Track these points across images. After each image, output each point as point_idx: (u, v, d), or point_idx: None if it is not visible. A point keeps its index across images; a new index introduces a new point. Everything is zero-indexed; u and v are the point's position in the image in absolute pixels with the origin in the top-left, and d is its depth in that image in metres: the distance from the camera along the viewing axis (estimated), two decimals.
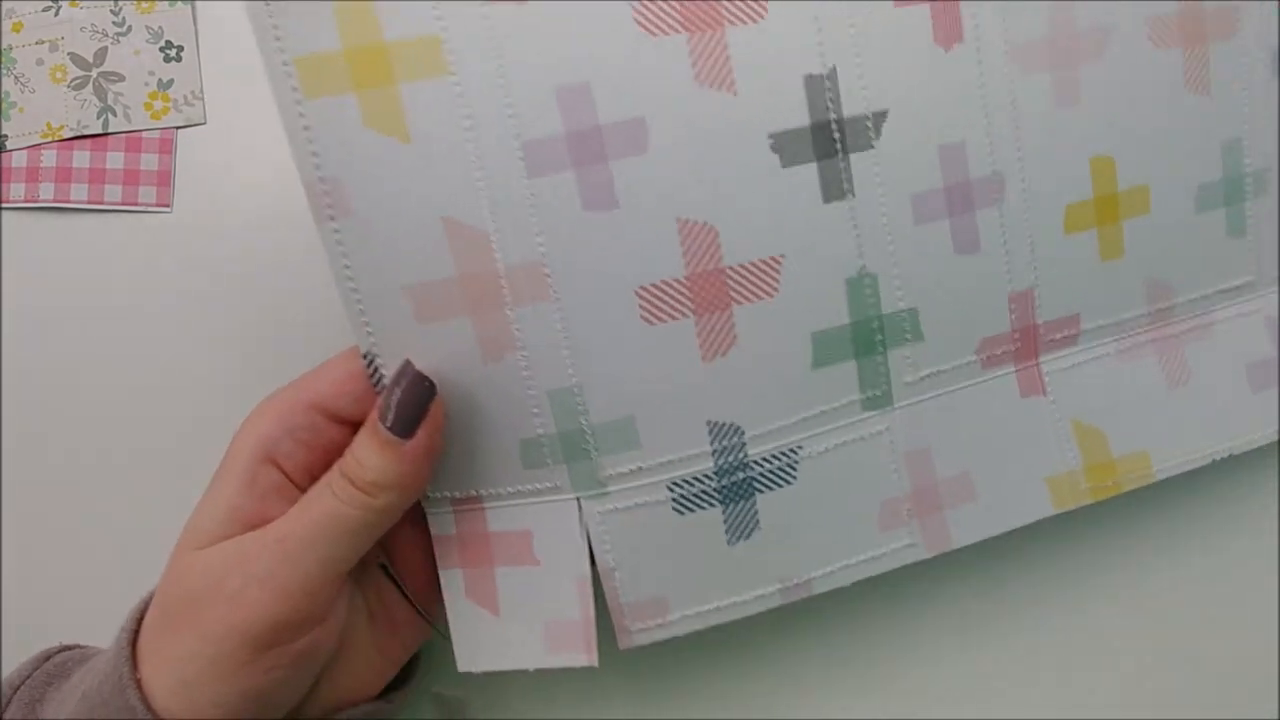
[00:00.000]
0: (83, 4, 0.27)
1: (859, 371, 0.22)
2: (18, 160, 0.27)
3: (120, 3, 0.27)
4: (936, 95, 0.21)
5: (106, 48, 0.27)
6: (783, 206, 0.21)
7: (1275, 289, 0.25)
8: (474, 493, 0.21)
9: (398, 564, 0.22)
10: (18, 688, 0.20)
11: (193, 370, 0.27)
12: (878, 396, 0.22)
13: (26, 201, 0.27)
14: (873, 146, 0.21)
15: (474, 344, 0.20)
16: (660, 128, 0.20)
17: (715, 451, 0.21)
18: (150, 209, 0.27)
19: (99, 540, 0.27)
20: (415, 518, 0.21)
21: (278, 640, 0.18)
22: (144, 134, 0.27)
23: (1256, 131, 0.24)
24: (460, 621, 0.21)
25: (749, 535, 0.21)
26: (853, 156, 0.21)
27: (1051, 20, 0.22)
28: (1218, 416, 0.25)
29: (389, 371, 0.20)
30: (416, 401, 0.19)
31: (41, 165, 0.27)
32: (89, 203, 0.27)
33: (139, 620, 0.19)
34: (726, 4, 0.20)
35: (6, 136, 0.27)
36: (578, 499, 0.21)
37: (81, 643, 0.22)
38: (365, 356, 0.20)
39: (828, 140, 0.21)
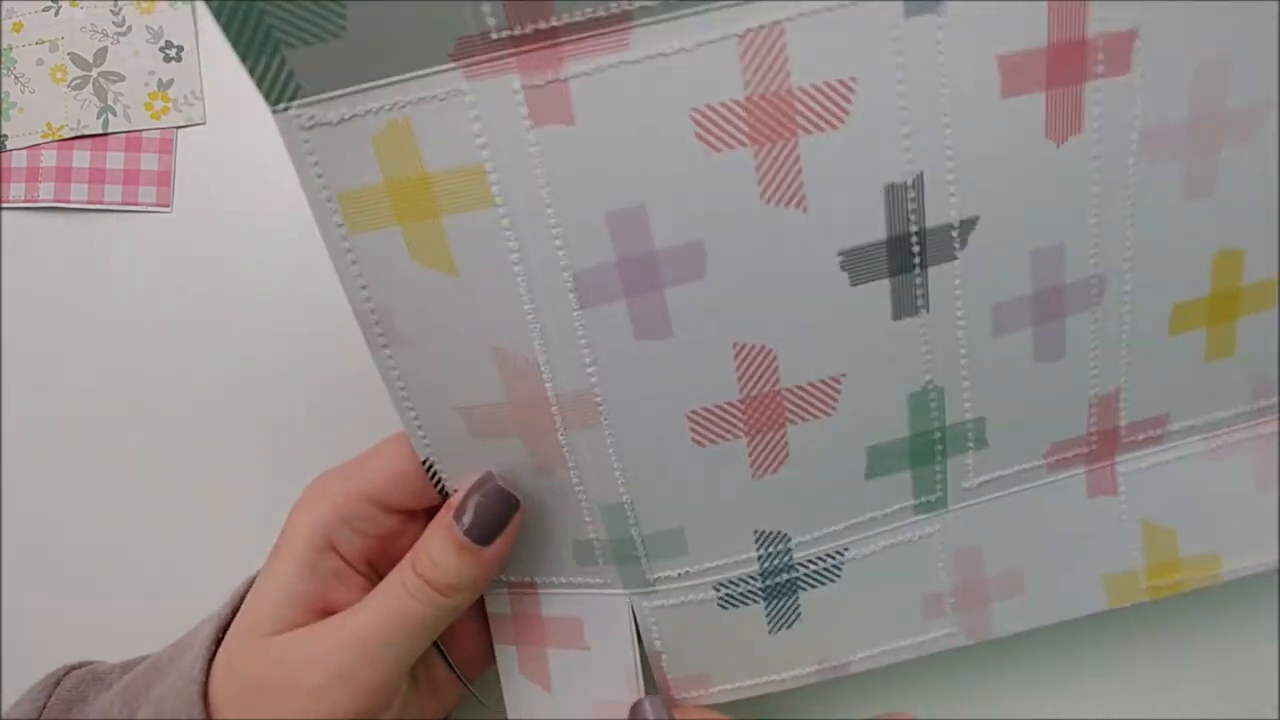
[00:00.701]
0: (83, 4, 0.27)
1: (914, 480, 0.21)
2: (18, 160, 0.27)
3: (120, 3, 0.27)
4: (1039, 197, 0.19)
5: (106, 48, 0.27)
6: (848, 326, 0.19)
7: None
8: (529, 579, 0.22)
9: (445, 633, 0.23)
10: None
11: (192, 370, 0.27)
12: (931, 502, 0.22)
13: (26, 201, 0.27)
14: (955, 258, 0.19)
15: (526, 460, 0.20)
16: (720, 250, 0.18)
17: (761, 557, 0.21)
18: (150, 209, 0.27)
19: (99, 540, 0.28)
20: None
21: None
22: (144, 134, 0.27)
23: None
24: (515, 695, 0.23)
25: (790, 625, 0.22)
26: (931, 270, 0.19)
27: (1197, 97, 0.19)
28: None
29: (450, 479, 0.20)
30: (499, 514, 0.20)
31: (41, 165, 0.27)
32: (89, 203, 0.27)
33: (204, 690, 0.19)
34: (801, 108, 0.17)
35: (6, 136, 0.27)
36: (629, 595, 0.22)
37: (68, 651, 0.22)
38: (425, 463, 0.20)
39: (905, 254, 0.19)
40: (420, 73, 0.16)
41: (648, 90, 0.17)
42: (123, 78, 0.27)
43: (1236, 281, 0.21)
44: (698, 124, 0.17)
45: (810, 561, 0.22)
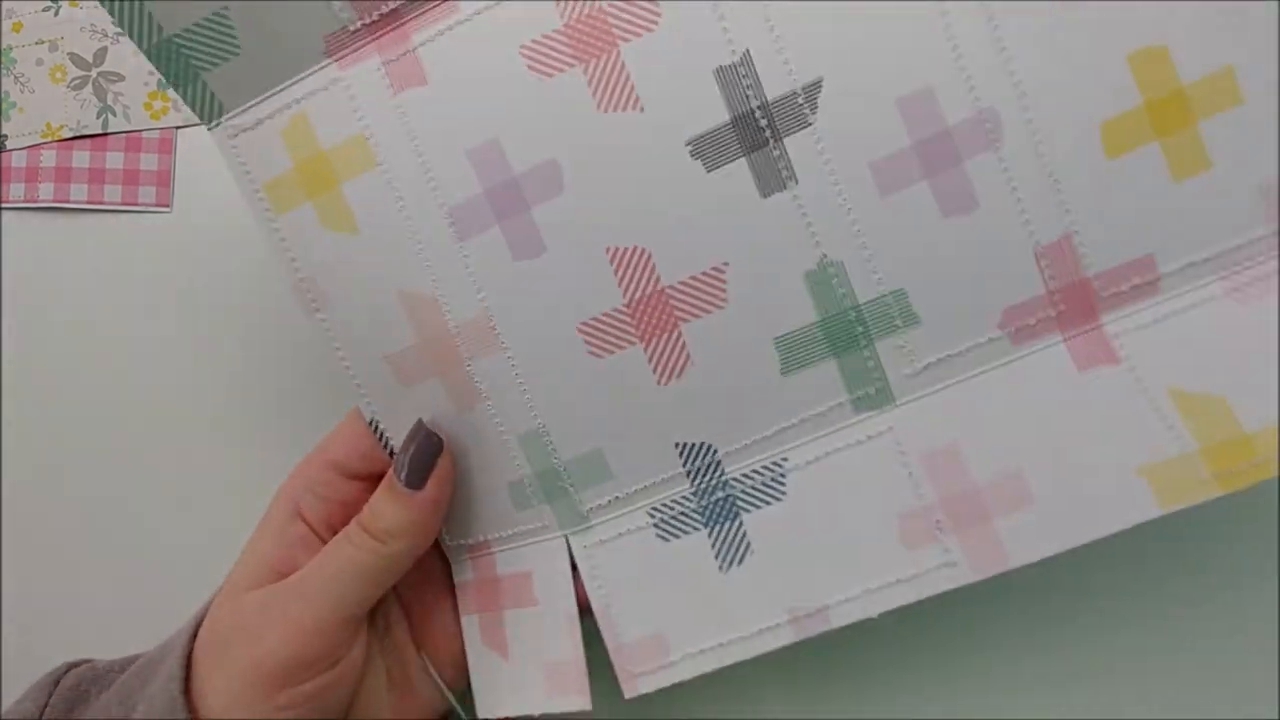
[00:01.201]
0: (83, 4, 0.27)
1: (841, 370, 0.20)
2: (18, 160, 0.27)
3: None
4: (882, 45, 0.18)
5: (106, 48, 0.27)
6: (716, 212, 0.19)
7: None
8: (483, 538, 0.22)
9: (420, 634, 0.23)
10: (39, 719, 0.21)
11: (192, 370, 0.27)
12: (871, 395, 0.20)
13: (26, 201, 0.27)
14: (809, 124, 0.19)
15: (448, 400, 0.21)
16: (573, 164, 0.20)
17: (689, 473, 0.20)
18: (150, 209, 0.27)
19: (99, 539, 0.28)
20: (438, 589, 0.23)
21: (291, 679, 0.19)
22: (144, 134, 0.27)
23: None
24: (479, 668, 0.22)
25: (741, 560, 0.20)
26: (787, 140, 0.19)
27: None
28: None
29: (393, 434, 0.22)
30: (425, 456, 0.21)
31: (41, 165, 0.27)
32: (89, 203, 0.27)
33: (188, 657, 0.21)
34: (615, 22, 0.19)
35: (6, 136, 0.27)
36: (565, 536, 0.21)
37: (67, 650, 0.23)
38: (370, 423, 0.22)
39: (753, 130, 0.19)
40: (306, 73, 0.20)
41: (481, 41, 0.20)
42: (122, 78, 0.27)
43: (1172, 82, 0.18)
44: (528, 58, 0.19)
45: (746, 476, 0.20)
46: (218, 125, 0.21)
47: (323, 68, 0.20)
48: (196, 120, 0.22)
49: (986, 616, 0.24)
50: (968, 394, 0.19)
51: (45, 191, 0.28)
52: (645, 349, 0.20)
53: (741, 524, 0.20)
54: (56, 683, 0.22)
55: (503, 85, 0.20)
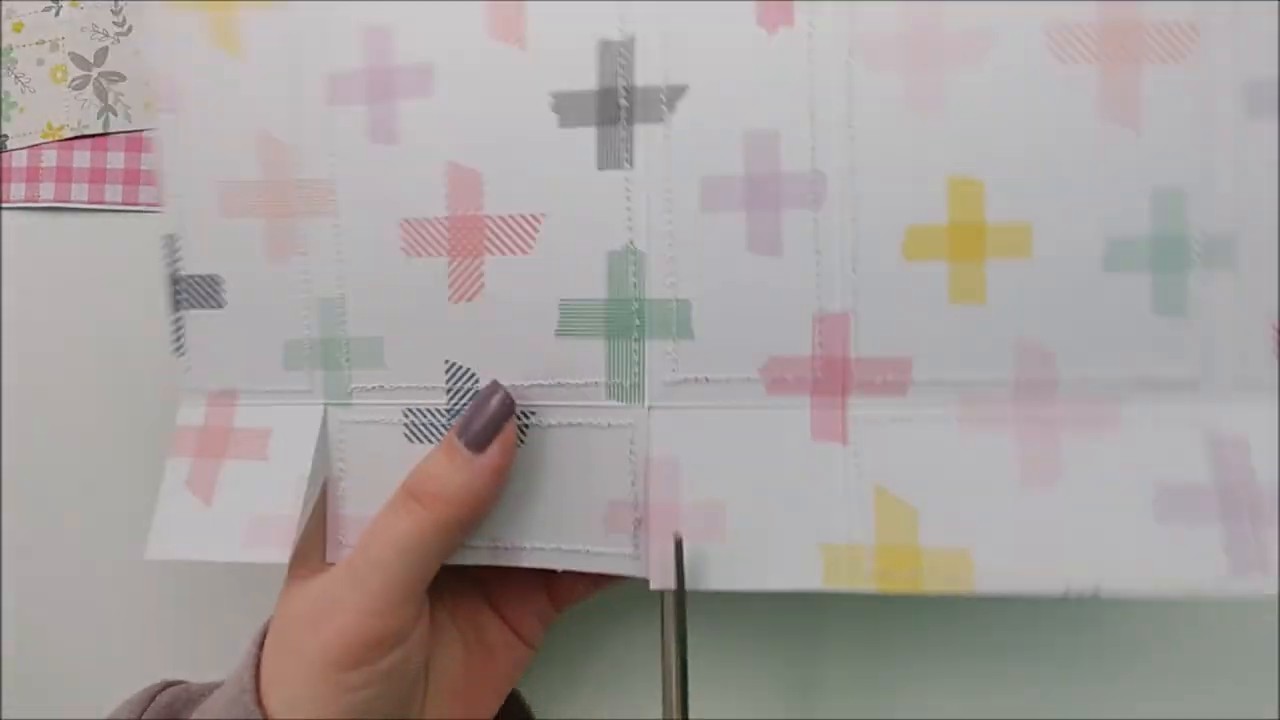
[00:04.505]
0: (83, 4, 0.26)
1: (607, 353, 0.21)
2: (18, 160, 0.27)
3: (120, 3, 0.27)
4: (749, 78, 0.20)
5: (107, 48, 0.27)
6: (552, 166, 0.20)
7: (1236, 400, 0.19)
8: (233, 388, 0.23)
9: (494, 594, 0.23)
10: None
11: None
12: (624, 386, 0.21)
13: (26, 201, 0.27)
14: (662, 120, 0.20)
15: (262, 243, 0.22)
16: (447, 74, 0.21)
17: (449, 391, 0.21)
18: (150, 209, 0.27)
19: (100, 539, 0.28)
20: None
21: (358, 660, 0.18)
22: (144, 134, 0.27)
23: (1211, 185, 0.19)
24: (167, 509, 0.22)
25: None
26: (637, 126, 0.20)
27: (908, 17, 0.19)
28: (1089, 534, 0.19)
29: (185, 255, 0.22)
30: (497, 418, 0.20)
31: (41, 165, 0.27)
32: (89, 203, 0.27)
33: (259, 651, 0.20)
34: None
35: (6, 136, 0.27)
36: (325, 405, 0.22)
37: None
38: (169, 237, 0.23)
39: (612, 106, 0.20)
40: None
41: None
42: (123, 78, 0.27)
43: (978, 216, 0.19)
44: None
45: None
46: None
47: None
48: None
49: (986, 616, 0.25)
50: (708, 422, 0.20)
51: (46, 191, 0.27)
52: (449, 264, 0.21)
53: None
54: (152, 699, 0.22)
55: None
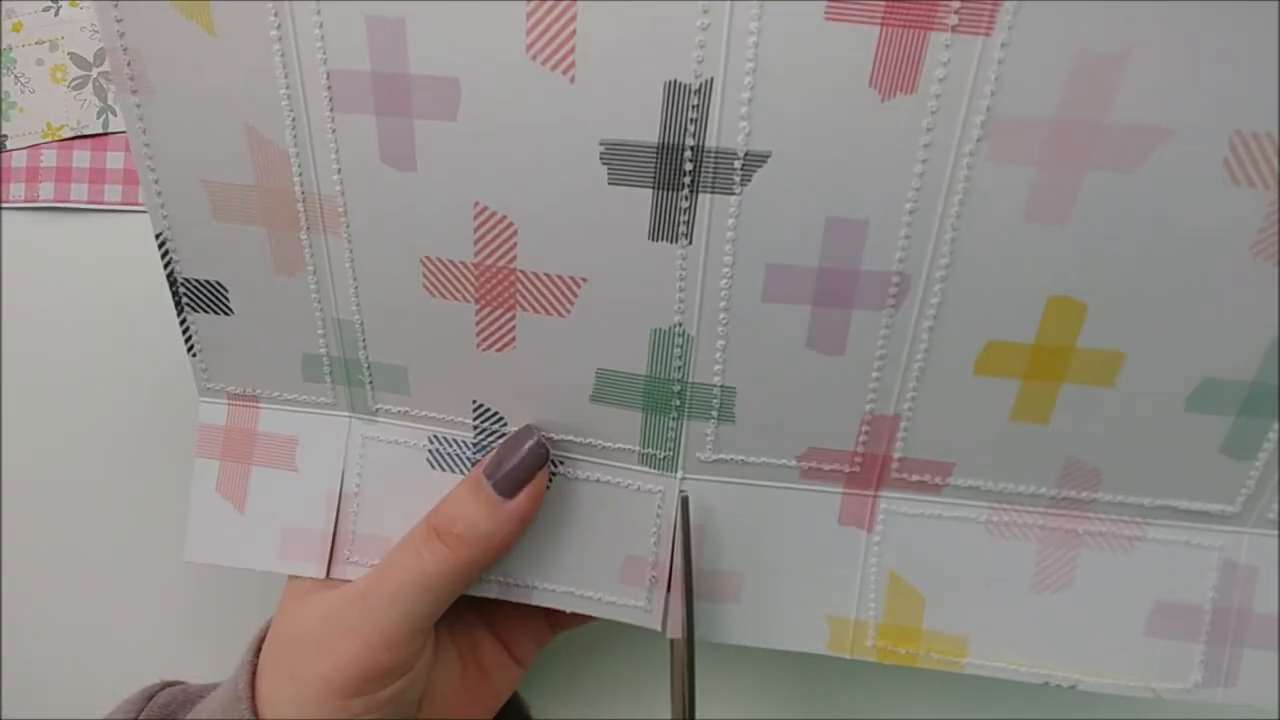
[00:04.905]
0: (83, 4, 0.26)
1: (644, 425, 0.20)
2: (18, 160, 0.27)
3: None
4: (845, 154, 0.16)
5: None
6: (597, 227, 0.17)
7: (1259, 532, 0.19)
8: (253, 391, 0.22)
9: (490, 615, 0.23)
10: None
11: (193, 370, 0.26)
12: (658, 458, 0.20)
13: (26, 201, 0.27)
14: (734, 193, 0.17)
15: (267, 254, 0.20)
16: (475, 96, 0.17)
17: (476, 428, 0.21)
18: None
19: (100, 540, 0.28)
20: None
21: (362, 689, 0.18)
22: None
23: None
24: (201, 512, 0.22)
25: None
26: (703, 197, 0.17)
27: (1068, 101, 0.15)
28: (1076, 636, 0.20)
29: (179, 257, 0.20)
30: (529, 466, 0.19)
31: (41, 165, 0.27)
32: (89, 203, 0.27)
33: (255, 659, 0.20)
34: None
35: (6, 136, 0.27)
36: (350, 418, 0.22)
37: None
38: (158, 236, 0.20)
39: (675, 168, 0.17)
40: None
41: None
42: None
43: (1070, 339, 0.17)
44: None
45: None
46: None
47: None
48: None
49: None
50: (740, 497, 0.20)
51: (46, 191, 0.27)
52: (477, 312, 0.19)
53: None
54: (150, 699, 0.21)
55: None
